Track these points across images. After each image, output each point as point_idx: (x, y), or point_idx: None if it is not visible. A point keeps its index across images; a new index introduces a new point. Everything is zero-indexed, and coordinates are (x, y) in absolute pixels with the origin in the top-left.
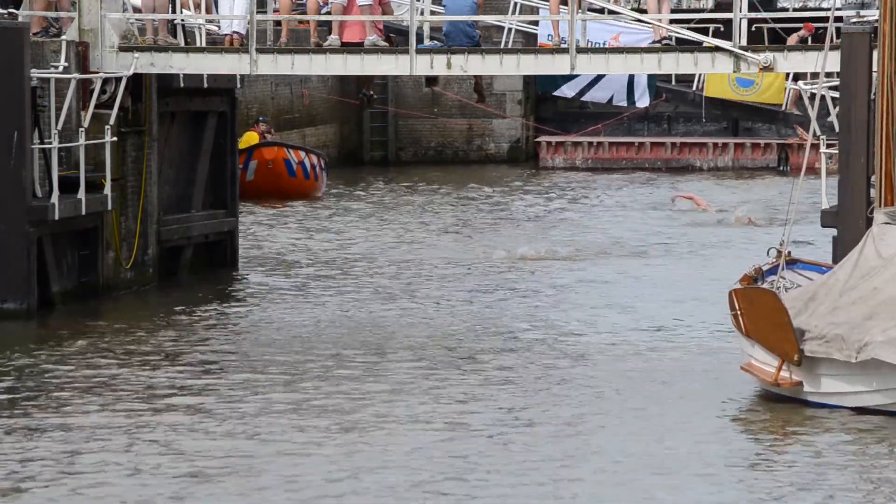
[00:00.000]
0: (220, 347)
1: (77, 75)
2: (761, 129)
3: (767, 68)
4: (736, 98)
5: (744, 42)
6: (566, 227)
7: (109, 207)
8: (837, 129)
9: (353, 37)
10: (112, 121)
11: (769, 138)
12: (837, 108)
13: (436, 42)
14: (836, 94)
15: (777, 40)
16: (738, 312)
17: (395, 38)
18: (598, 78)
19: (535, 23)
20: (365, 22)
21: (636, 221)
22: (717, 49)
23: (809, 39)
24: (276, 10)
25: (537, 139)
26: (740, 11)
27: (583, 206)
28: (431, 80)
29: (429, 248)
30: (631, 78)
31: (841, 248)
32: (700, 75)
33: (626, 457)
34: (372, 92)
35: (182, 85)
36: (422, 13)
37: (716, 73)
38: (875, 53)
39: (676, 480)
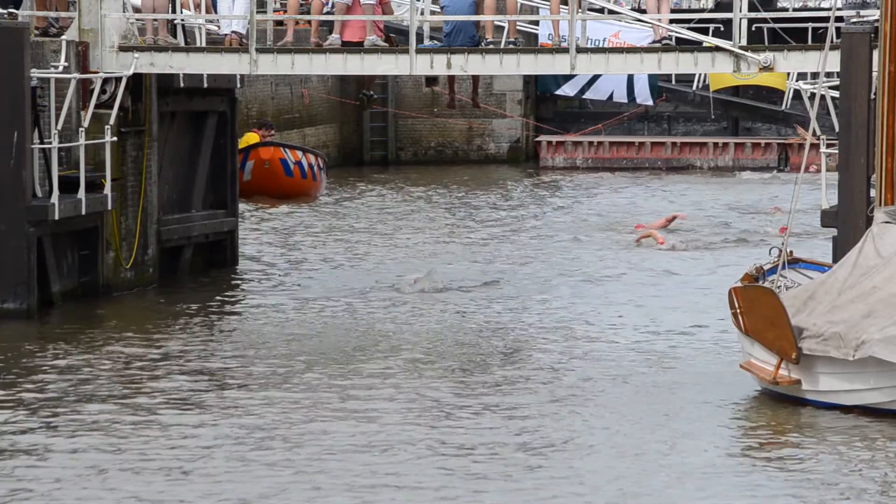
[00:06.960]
0: (220, 347)
1: (77, 75)
2: (761, 129)
3: (767, 68)
4: (738, 83)
5: (744, 42)
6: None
7: (109, 207)
8: (837, 129)
9: (354, 36)
10: (112, 121)
11: (769, 138)
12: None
13: (436, 42)
14: (836, 94)
15: (777, 40)
16: (738, 311)
17: (395, 38)
18: (598, 75)
19: (536, 22)
20: (366, 21)
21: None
22: (717, 49)
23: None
24: (276, 11)
25: (537, 139)
26: (740, 11)
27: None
28: (431, 80)
29: (428, 250)
30: (631, 75)
31: (841, 248)
32: (699, 75)
33: (625, 456)
34: (372, 92)
35: (182, 85)
36: (422, 13)
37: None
38: (875, 53)
39: (675, 480)
